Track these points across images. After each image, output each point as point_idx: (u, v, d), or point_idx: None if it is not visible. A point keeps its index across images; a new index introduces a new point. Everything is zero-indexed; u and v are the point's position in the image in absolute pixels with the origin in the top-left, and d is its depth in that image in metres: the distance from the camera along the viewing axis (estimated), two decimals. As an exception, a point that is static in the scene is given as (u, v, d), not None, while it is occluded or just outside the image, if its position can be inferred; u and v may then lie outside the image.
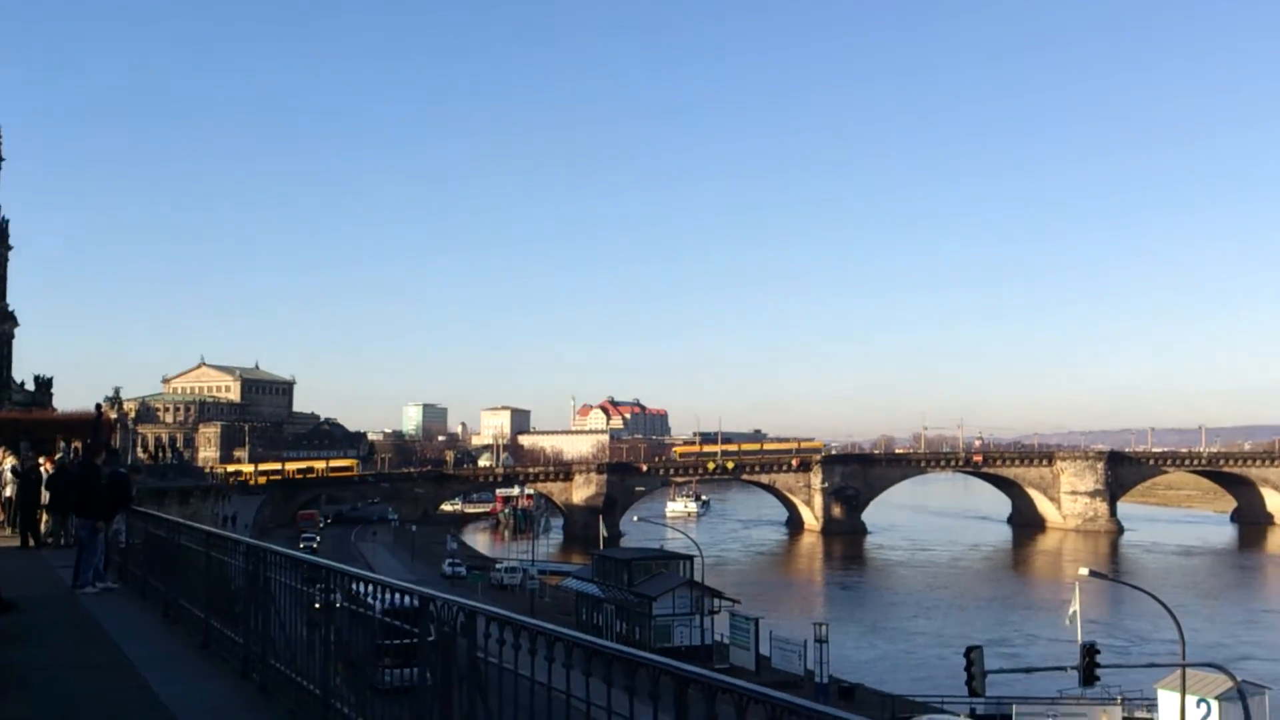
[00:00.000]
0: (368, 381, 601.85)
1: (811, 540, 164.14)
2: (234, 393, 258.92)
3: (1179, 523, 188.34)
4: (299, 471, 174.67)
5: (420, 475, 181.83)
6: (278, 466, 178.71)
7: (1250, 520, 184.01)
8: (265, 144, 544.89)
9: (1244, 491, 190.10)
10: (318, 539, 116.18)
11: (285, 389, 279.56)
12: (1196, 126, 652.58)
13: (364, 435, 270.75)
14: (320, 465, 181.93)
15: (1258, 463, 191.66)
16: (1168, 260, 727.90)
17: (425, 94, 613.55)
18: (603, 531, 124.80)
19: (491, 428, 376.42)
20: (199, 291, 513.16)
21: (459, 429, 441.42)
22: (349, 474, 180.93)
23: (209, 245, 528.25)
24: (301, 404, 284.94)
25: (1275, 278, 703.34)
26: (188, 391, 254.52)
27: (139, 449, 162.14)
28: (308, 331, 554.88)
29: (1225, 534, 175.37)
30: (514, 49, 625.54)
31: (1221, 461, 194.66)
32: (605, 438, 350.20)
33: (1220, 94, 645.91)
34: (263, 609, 11.66)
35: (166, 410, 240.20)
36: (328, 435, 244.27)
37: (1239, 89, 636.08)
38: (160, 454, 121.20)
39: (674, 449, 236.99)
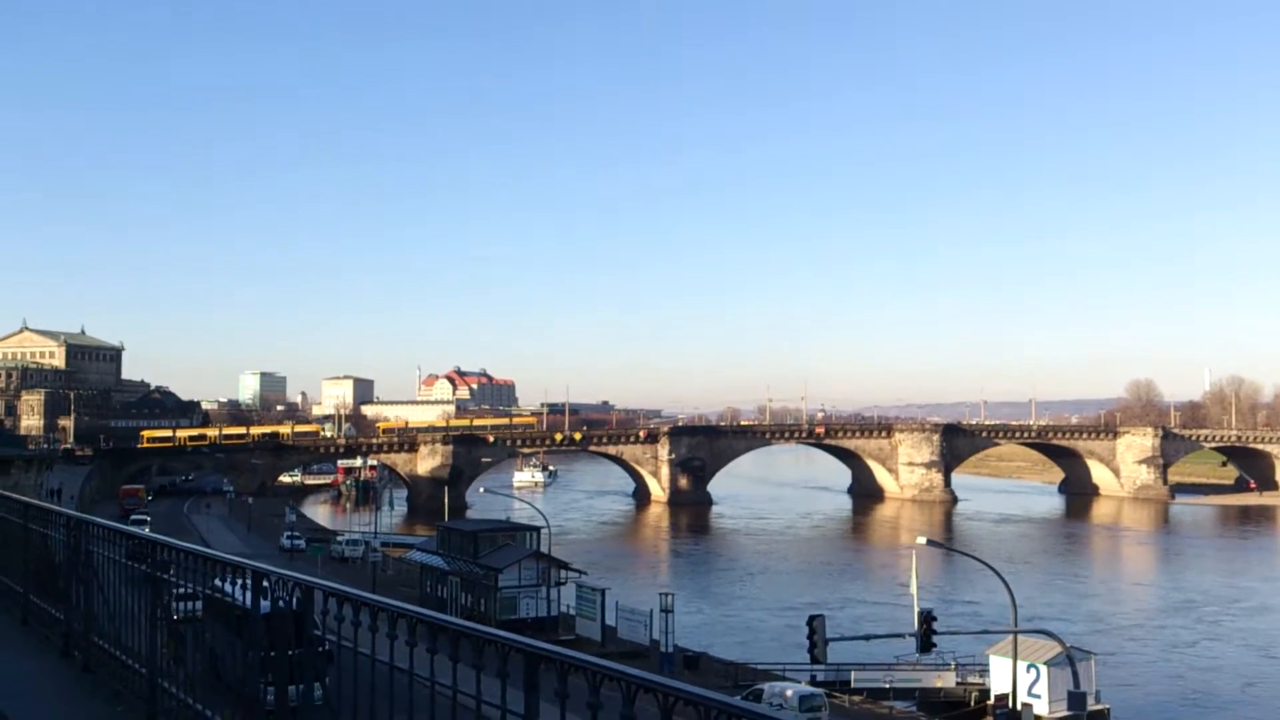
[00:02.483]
0: (202, 349, 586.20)
1: (658, 511, 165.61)
2: (59, 359, 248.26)
3: (1010, 493, 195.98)
4: (154, 440, 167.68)
5: (257, 445, 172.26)
6: (168, 434, 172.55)
7: (1077, 491, 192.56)
8: (90, 98, 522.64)
9: (1071, 464, 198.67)
10: (149, 516, 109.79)
11: (113, 355, 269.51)
12: (1029, 99, 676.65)
13: (198, 404, 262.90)
14: (211, 434, 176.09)
15: (1084, 436, 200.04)
16: (1001, 239, 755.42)
17: (264, 47, 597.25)
18: (447, 503, 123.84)
19: (333, 397, 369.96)
20: (21, 252, 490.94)
21: (299, 399, 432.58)
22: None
23: (34, 204, 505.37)
24: (131, 371, 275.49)
25: (1103, 257, 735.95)
26: (9, 357, 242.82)
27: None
28: (137, 297, 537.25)
29: (1053, 504, 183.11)
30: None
31: (1050, 434, 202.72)
32: (451, 408, 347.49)
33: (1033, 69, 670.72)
34: (85, 584, 11.08)
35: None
36: (159, 404, 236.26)
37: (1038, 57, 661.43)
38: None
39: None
